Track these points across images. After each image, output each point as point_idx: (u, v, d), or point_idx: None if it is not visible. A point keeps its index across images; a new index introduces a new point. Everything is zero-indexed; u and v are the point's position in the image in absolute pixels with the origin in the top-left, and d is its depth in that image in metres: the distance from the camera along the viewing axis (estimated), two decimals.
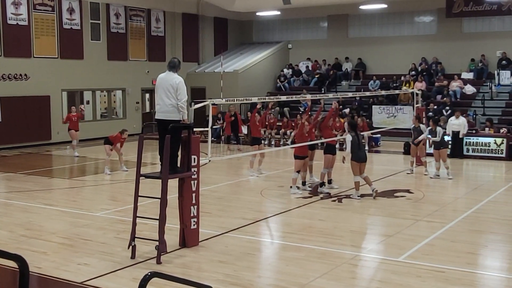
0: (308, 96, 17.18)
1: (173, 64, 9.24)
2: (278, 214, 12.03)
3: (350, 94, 19.28)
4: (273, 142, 24.02)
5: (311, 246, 9.48)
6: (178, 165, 9.25)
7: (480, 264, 8.92)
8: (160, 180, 8.74)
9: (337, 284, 7.75)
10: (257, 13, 31.72)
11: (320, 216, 11.66)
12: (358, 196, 13.03)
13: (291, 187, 13.87)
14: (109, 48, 26.81)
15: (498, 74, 26.12)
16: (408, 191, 14.06)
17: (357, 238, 10.15)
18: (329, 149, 14.23)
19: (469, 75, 27.02)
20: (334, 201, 13.06)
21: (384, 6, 28.10)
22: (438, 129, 15.79)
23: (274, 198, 13.57)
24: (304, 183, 14.25)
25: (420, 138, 16.22)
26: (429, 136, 15.98)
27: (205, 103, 10.47)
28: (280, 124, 24.92)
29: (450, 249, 9.27)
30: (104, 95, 27.89)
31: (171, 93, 9.00)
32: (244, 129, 23.33)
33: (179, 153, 9.27)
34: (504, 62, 26.50)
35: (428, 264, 8.48)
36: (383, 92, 22.07)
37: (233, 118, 22.39)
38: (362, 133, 13.96)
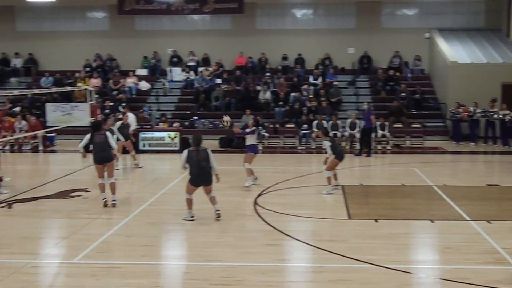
0: None
1: None
2: None
3: (16, 92, 17.99)
4: None
5: None
6: None
7: (155, 254, 9.11)
8: None
9: None
10: None
11: None
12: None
13: None
14: None
15: (170, 70, 27.48)
16: (85, 190, 13.75)
17: (29, 245, 9.48)
18: None
19: (143, 72, 27.83)
20: (3, 207, 12.05)
21: None
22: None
23: None
24: None
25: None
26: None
27: None
28: None
29: (126, 244, 9.31)
30: None
31: None
32: None
33: None
34: (175, 59, 27.98)
35: (103, 262, 8.36)
36: (54, 89, 21.21)
37: None
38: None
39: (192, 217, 10.70)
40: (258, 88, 25.35)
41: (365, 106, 20.21)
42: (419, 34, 27.16)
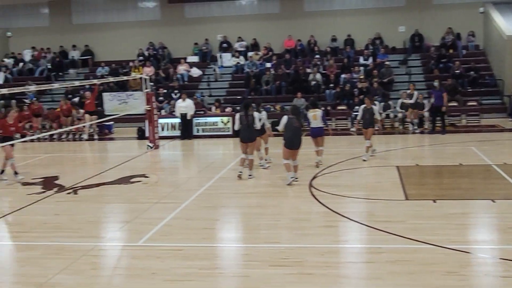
0: (32, 87, 16.21)
1: None
2: (8, 214, 11.16)
3: (77, 83, 18.55)
4: None
5: (47, 242, 8.99)
6: None
7: (214, 237, 9.36)
8: None
9: (77, 277, 7.47)
10: None
11: (55, 211, 11.11)
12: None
13: None
14: None
15: (221, 56, 27.74)
16: (144, 175, 14.15)
17: (95, 229, 9.90)
18: (6, 140, 13.89)
19: (195, 59, 28.20)
20: (70, 193, 12.56)
21: None
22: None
23: (2, 197, 12.57)
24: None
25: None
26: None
27: None
28: None
29: (186, 227, 9.58)
30: None
31: None
32: None
33: None
34: (225, 45, 28.21)
35: (166, 245, 8.65)
36: (112, 79, 21.81)
37: None
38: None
39: (292, 178, 12.23)
40: (308, 70, 25.32)
41: (436, 83, 20.18)
42: (472, 9, 26.49)
